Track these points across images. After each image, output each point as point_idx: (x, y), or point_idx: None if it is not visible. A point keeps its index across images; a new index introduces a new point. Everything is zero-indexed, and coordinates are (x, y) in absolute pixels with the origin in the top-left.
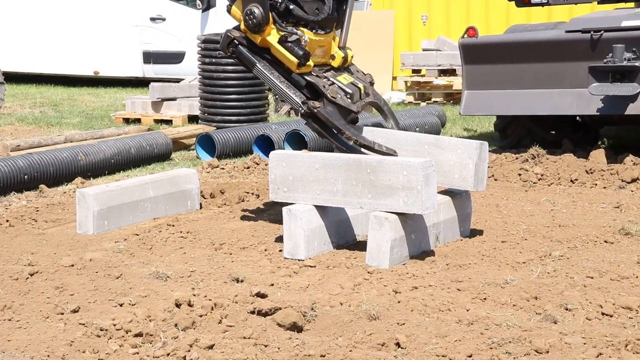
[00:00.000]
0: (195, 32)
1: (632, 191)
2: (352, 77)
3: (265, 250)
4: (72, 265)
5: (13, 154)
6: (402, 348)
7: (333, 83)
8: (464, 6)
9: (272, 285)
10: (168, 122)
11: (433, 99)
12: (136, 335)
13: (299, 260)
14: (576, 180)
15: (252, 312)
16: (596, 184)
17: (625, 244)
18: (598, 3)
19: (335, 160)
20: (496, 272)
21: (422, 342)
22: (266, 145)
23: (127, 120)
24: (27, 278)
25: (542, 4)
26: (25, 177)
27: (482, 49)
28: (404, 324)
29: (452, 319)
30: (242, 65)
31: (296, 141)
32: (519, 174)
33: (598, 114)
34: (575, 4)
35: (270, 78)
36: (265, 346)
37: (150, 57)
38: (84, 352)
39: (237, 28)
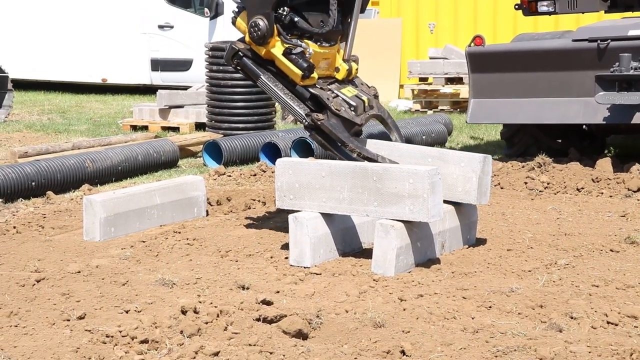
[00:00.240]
0: (203, 39)
1: (638, 200)
2: (357, 90)
3: (271, 257)
4: (79, 272)
5: (21, 161)
6: (407, 356)
7: (337, 95)
8: (471, 15)
9: (278, 292)
10: (175, 129)
11: (440, 107)
12: (142, 342)
13: (304, 267)
14: (582, 188)
15: (258, 319)
16: (602, 193)
17: (631, 252)
18: (605, 12)
19: (342, 168)
20: (502, 281)
21: (427, 350)
22: (273, 152)
23: (134, 128)
24: (34, 284)
25: (549, 13)
26: (33, 183)
27: (489, 58)
28: (409, 331)
29: (457, 327)
30: (247, 77)
31: (303, 149)
32: (525, 183)
33: (604, 122)
34: (583, 12)
35: (274, 90)
36: (271, 353)
37: (158, 65)
38: (89, 358)
39: (242, 40)
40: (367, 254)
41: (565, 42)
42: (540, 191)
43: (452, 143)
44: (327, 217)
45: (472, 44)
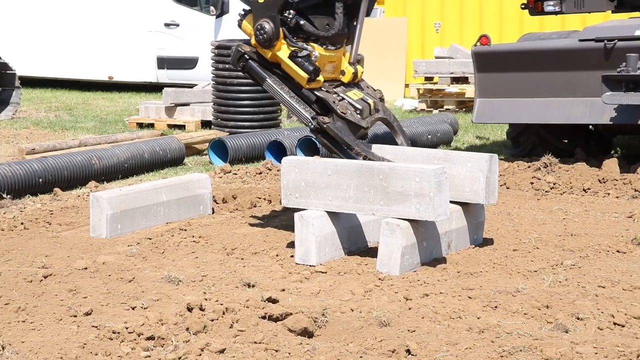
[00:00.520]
0: (209, 38)
1: None
2: (362, 93)
3: (277, 255)
4: (86, 269)
5: (28, 158)
6: (412, 355)
7: (343, 99)
8: (477, 14)
9: (284, 290)
10: (181, 127)
11: (445, 107)
12: (148, 339)
13: (310, 266)
14: (589, 189)
15: (263, 317)
16: (609, 194)
17: (638, 253)
18: (612, 12)
19: (348, 167)
20: (507, 281)
21: (433, 349)
22: (278, 151)
23: (140, 125)
24: (41, 280)
25: (555, 13)
26: (40, 180)
27: (494, 57)
28: (414, 331)
29: (462, 326)
30: (253, 80)
31: (308, 147)
32: (531, 183)
33: (611, 123)
34: (589, 12)
35: (280, 93)
36: (276, 351)
37: (164, 63)
38: (96, 354)
39: (248, 43)
40: (372, 252)
41: (572, 42)
42: (546, 191)
43: (458, 143)
44: (333, 215)
45: (478, 44)
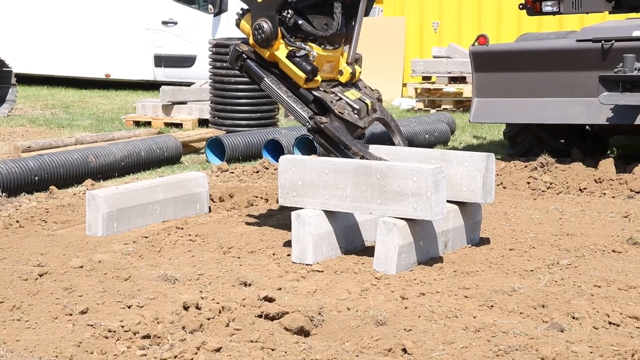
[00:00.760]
0: (207, 36)
1: None
2: (360, 93)
3: (274, 254)
4: (81, 267)
5: (24, 155)
6: (408, 354)
7: (340, 98)
8: (475, 14)
9: (280, 289)
10: (178, 125)
11: (443, 106)
12: (144, 337)
13: (306, 265)
14: (585, 189)
15: (260, 316)
16: (605, 194)
17: (633, 253)
18: (609, 13)
19: (345, 166)
20: (503, 280)
21: (429, 348)
22: (276, 149)
23: (137, 123)
24: (37, 279)
25: (553, 13)
26: (36, 178)
27: (492, 57)
28: (410, 330)
29: (459, 325)
30: (250, 79)
31: (306, 146)
32: (528, 182)
33: (608, 123)
34: (587, 13)
35: (277, 92)
36: (272, 350)
37: (161, 61)
38: (91, 353)
39: (246, 42)
40: (369, 251)
41: (570, 42)
42: (542, 191)
43: (455, 142)
44: (329, 214)
45: (476, 43)
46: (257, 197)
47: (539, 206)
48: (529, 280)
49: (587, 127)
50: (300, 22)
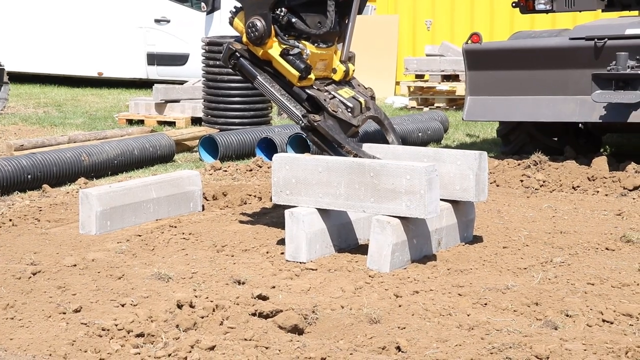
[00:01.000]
0: (200, 34)
1: (633, 199)
2: (353, 91)
3: (267, 252)
4: (75, 265)
5: (17, 154)
6: (402, 352)
7: (334, 97)
8: (468, 12)
9: (274, 287)
10: (171, 123)
11: (436, 104)
12: (138, 336)
13: (300, 263)
14: (578, 187)
15: (254, 314)
16: (598, 191)
17: (627, 251)
18: (602, 11)
19: (339, 164)
20: (497, 278)
21: (423, 346)
22: (269, 148)
23: (130, 122)
24: (30, 277)
25: (546, 11)
26: (29, 176)
27: (485, 55)
28: (404, 328)
29: (452, 323)
30: (243, 78)
31: (299, 144)
32: (521, 180)
33: (601, 121)
34: (580, 11)
35: (271, 91)
36: (266, 348)
37: (154, 59)
38: (85, 351)
39: (239, 40)
40: (363, 250)
41: (563, 41)
42: (536, 189)
43: (448, 140)
44: (323, 212)
45: (469, 41)
46: (250, 195)
47: (532, 204)
48: (523, 278)
49: (580, 125)
50: (293, 20)
